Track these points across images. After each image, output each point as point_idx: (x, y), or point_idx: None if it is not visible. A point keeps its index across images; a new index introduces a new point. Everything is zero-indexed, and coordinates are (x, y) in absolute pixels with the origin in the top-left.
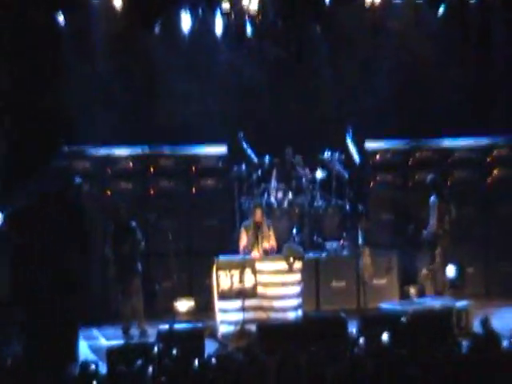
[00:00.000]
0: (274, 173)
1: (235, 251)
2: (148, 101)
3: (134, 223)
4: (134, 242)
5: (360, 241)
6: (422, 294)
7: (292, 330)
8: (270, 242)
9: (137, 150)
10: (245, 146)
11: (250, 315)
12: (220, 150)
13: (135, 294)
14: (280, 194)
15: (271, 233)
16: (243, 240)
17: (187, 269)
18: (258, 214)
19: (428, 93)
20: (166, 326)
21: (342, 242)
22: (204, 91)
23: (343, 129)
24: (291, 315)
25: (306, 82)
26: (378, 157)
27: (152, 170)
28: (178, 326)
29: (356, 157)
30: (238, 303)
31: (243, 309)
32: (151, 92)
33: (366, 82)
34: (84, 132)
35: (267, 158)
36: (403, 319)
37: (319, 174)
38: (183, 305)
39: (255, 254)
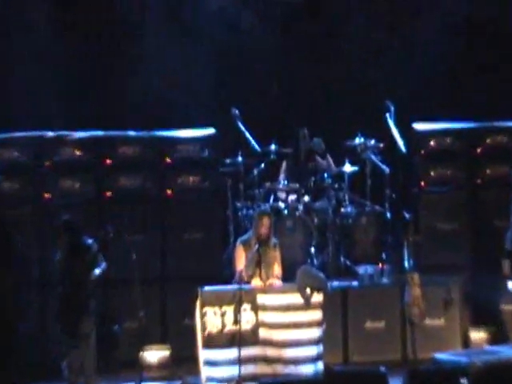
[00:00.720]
0: (284, 166)
1: (228, 278)
2: (108, 70)
3: (89, 241)
4: (86, 266)
5: (406, 263)
6: (497, 339)
7: None
8: (277, 269)
9: (88, 134)
10: (242, 128)
11: (248, 369)
12: (206, 134)
13: (85, 340)
14: (292, 197)
15: (277, 254)
16: (240, 262)
17: (159, 303)
18: (265, 225)
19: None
20: None
21: (380, 265)
22: (186, 55)
23: (381, 106)
24: (307, 369)
25: (326, 43)
26: (432, 143)
27: (108, 162)
28: None
29: (400, 144)
30: (231, 353)
31: (239, 361)
32: (113, 58)
33: (411, 42)
34: (15, 113)
35: (273, 146)
36: (468, 376)
37: (348, 168)
38: (153, 355)
39: (256, 282)
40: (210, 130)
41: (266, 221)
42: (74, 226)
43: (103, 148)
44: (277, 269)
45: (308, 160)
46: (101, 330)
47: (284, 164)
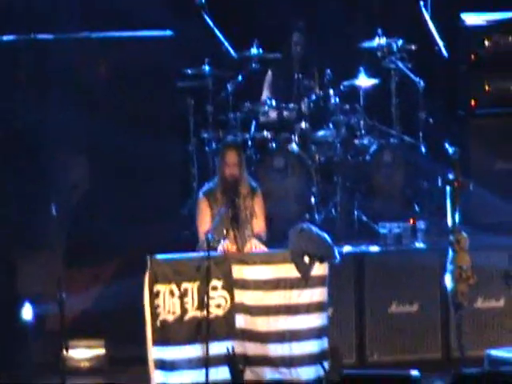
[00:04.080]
0: (269, 78)
1: (189, 242)
2: None
3: None
4: None
5: (450, 219)
6: None
7: None
8: (258, 225)
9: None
10: (209, 24)
11: (220, 375)
12: (158, 35)
13: None
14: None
15: (258, 202)
16: (204, 220)
17: (91, 277)
18: (231, 162)
19: None
20: None
21: (411, 222)
22: None
23: None
24: (307, 373)
25: None
26: (487, 44)
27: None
28: None
29: (441, 46)
30: (195, 350)
31: (207, 362)
32: None
33: None
34: None
35: (255, 49)
36: None
37: (364, 81)
38: (82, 353)
39: (228, 245)
40: (165, 31)
41: (231, 155)
42: None
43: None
44: (258, 223)
45: (304, 72)
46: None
47: (269, 74)
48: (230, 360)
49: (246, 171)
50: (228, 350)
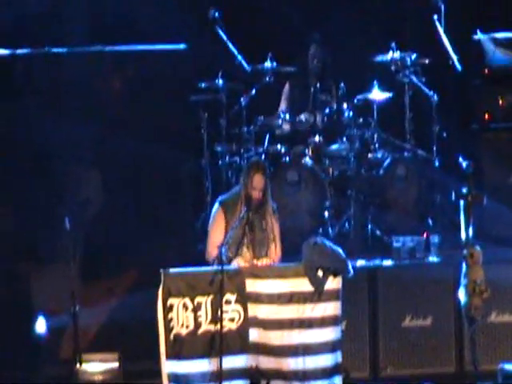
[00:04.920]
0: (286, 92)
1: (203, 256)
2: None
3: None
4: None
5: (464, 233)
6: None
7: None
8: (275, 254)
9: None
10: (224, 38)
11: None
12: (173, 48)
13: None
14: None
15: (276, 225)
16: (219, 233)
17: (105, 291)
18: (258, 185)
19: None
20: None
21: (425, 235)
22: None
23: (426, 6)
24: None
25: None
26: (499, 55)
27: None
28: None
29: (455, 60)
30: (208, 364)
31: (220, 376)
32: None
33: None
34: None
35: (269, 63)
36: None
37: (378, 95)
38: (96, 366)
39: (241, 261)
40: (179, 44)
41: (259, 179)
42: None
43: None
44: (276, 250)
45: (321, 83)
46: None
47: (286, 88)
48: (252, 375)
49: (269, 191)
50: (251, 365)
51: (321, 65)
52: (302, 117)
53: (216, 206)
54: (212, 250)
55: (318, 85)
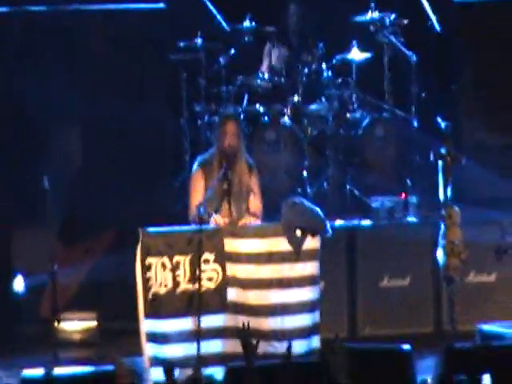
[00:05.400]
0: (267, 50)
1: (181, 215)
2: None
3: None
4: None
5: (442, 193)
6: None
7: (298, 378)
8: (254, 204)
9: None
10: None
11: (212, 347)
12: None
13: None
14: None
15: (254, 179)
16: (198, 192)
17: (83, 251)
18: (230, 132)
19: None
20: (38, 371)
21: (403, 196)
22: None
23: None
24: (298, 347)
25: None
26: (479, 18)
27: None
28: (61, 371)
29: (433, 19)
30: (187, 323)
31: (198, 335)
32: None
33: None
34: None
35: (248, 22)
36: None
37: (357, 55)
38: (74, 325)
39: (220, 219)
40: (158, 4)
41: (231, 126)
42: None
43: None
44: (254, 202)
45: (300, 43)
46: None
47: (267, 47)
48: (242, 334)
49: (243, 145)
50: (243, 324)
51: (300, 24)
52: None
53: (195, 165)
54: (193, 210)
55: (298, 44)
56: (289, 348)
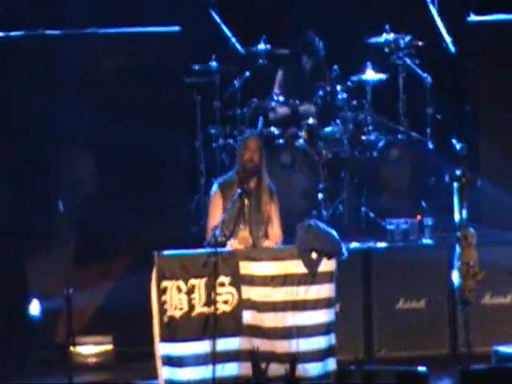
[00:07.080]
0: (279, 76)
1: (196, 238)
2: None
3: None
4: None
5: (457, 215)
6: None
7: None
8: (273, 234)
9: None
10: (217, 20)
11: (227, 370)
12: (166, 31)
13: None
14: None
15: (274, 203)
16: (215, 214)
17: (99, 274)
18: (253, 148)
19: None
20: None
21: (418, 218)
22: None
23: None
24: (313, 370)
25: None
26: (493, 41)
27: None
28: None
29: (448, 42)
30: (202, 346)
31: (213, 358)
32: None
33: None
34: None
35: (263, 45)
36: None
37: (371, 76)
38: (90, 349)
39: (237, 244)
40: (173, 27)
41: (253, 143)
42: None
43: None
44: (275, 231)
45: (315, 66)
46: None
47: (280, 72)
48: (253, 357)
49: (266, 169)
50: (254, 348)
51: (314, 48)
52: (302, 107)
53: (214, 187)
54: (210, 232)
55: (312, 68)
56: (292, 369)
